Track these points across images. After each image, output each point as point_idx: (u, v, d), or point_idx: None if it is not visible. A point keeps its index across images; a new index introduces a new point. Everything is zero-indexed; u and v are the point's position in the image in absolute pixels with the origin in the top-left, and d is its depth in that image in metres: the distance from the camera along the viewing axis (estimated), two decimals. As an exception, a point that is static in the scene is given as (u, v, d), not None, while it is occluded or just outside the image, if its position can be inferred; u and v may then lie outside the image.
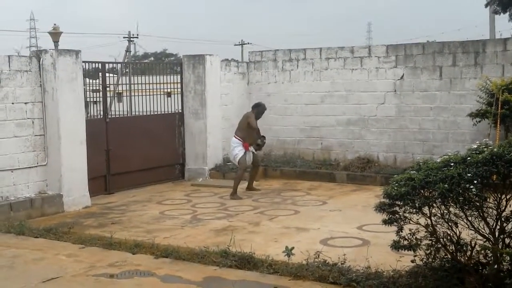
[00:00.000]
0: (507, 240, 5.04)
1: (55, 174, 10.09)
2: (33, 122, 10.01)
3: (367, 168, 12.36)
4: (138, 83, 13.24)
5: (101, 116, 11.72)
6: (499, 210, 4.98)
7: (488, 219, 5.00)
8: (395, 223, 5.20)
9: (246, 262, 6.29)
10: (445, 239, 5.17)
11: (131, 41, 41.88)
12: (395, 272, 5.57)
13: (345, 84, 13.18)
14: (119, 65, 21.31)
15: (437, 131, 12.18)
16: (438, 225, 5.16)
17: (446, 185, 4.75)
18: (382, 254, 6.49)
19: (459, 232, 5.16)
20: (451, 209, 5.04)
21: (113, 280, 6.18)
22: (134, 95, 13.82)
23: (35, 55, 10.21)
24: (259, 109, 11.57)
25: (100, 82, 11.83)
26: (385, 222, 5.23)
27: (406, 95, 12.50)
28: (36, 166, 10.02)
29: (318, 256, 6.14)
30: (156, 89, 12.89)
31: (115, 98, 16.24)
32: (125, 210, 10.12)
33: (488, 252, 5.06)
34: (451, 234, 5.15)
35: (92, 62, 11.57)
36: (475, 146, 5.15)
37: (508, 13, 23.76)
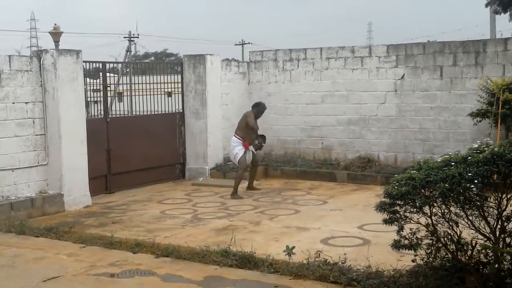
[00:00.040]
0: (507, 240, 5.04)
1: (56, 174, 10.09)
2: (33, 122, 10.01)
3: (367, 168, 12.37)
4: (138, 83, 13.24)
5: (102, 116, 11.72)
6: (499, 210, 4.98)
7: (488, 218, 5.00)
8: (395, 222, 5.20)
9: (247, 261, 6.29)
10: (445, 239, 5.17)
11: (132, 41, 41.88)
12: (395, 272, 5.57)
13: (346, 83, 13.18)
14: (119, 65, 21.32)
15: (437, 131, 12.18)
16: (439, 225, 5.16)
17: (447, 185, 4.75)
18: (383, 254, 6.49)
19: (460, 231, 5.16)
20: (451, 208, 5.04)
21: (113, 279, 6.18)
22: (135, 95, 13.82)
23: (36, 55, 10.22)
24: (259, 109, 11.58)
25: (101, 81, 11.83)
26: (385, 221, 5.23)
27: (407, 94, 12.51)
28: (36, 166, 10.03)
29: (319, 255, 6.14)
30: (157, 88, 12.90)
31: (116, 97, 16.27)
32: (126, 209, 10.13)
33: (489, 251, 5.06)
34: (452, 234, 5.15)
35: (92, 62, 11.58)
36: (476, 146, 5.15)
37: (508, 13, 23.75)
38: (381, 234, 7.22)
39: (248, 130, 11.25)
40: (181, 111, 13.26)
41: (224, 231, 8.34)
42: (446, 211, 5.07)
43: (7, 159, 9.62)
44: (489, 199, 4.96)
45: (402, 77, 12.54)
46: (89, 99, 11.54)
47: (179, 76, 13.36)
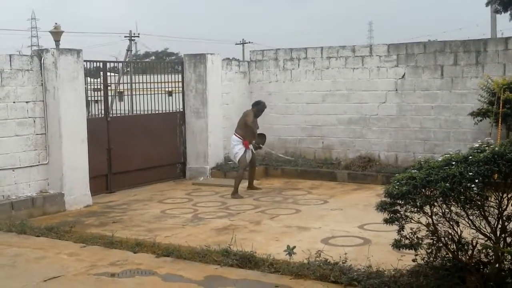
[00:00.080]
0: (508, 239, 5.03)
1: (57, 173, 10.09)
2: (34, 121, 10.01)
3: (368, 167, 12.37)
4: (139, 82, 13.24)
5: (103, 115, 11.71)
6: (500, 209, 4.97)
7: (489, 218, 5.00)
8: (396, 222, 5.19)
9: (247, 261, 6.29)
10: (446, 238, 5.16)
11: (132, 40, 41.84)
12: (396, 271, 5.56)
13: (347, 83, 13.18)
14: (120, 64, 21.31)
15: (438, 130, 12.18)
16: (439, 224, 5.15)
17: (448, 184, 4.75)
18: (383, 253, 6.48)
19: (461, 231, 5.16)
20: (452, 208, 5.04)
21: (114, 279, 6.18)
22: (135, 94, 13.83)
23: (37, 54, 10.22)
24: (259, 107, 11.56)
25: (101, 81, 11.83)
26: (386, 221, 5.23)
27: (408, 94, 12.50)
28: (37, 165, 10.03)
29: (319, 255, 6.14)
30: (157, 88, 12.89)
31: (116, 97, 16.26)
32: (126, 209, 10.13)
33: (490, 251, 5.06)
34: (453, 233, 5.15)
35: (93, 61, 11.57)
36: (477, 145, 5.15)
37: (509, 12, 23.69)
38: (382, 234, 7.22)
39: (247, 129, 11.24)
40: (181, 110, 13.25)
41: (224, 231, 8.34)
42: (446, 210, 5.07)
43: (8, 159, 9.63)
44: (489, 199, 4.95)
45: (403, 76, 12.54)
46: (89, 98, 11.54)
47: (180, 75, 13.36)
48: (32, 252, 7.13)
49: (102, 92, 11.81)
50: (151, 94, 12.80)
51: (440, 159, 5.16)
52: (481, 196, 4.83)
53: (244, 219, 9.14)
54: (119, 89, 17.37)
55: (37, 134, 10.05)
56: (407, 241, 5.21)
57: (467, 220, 5.05)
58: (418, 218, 5.17)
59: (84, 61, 10.67)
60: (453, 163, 4.95)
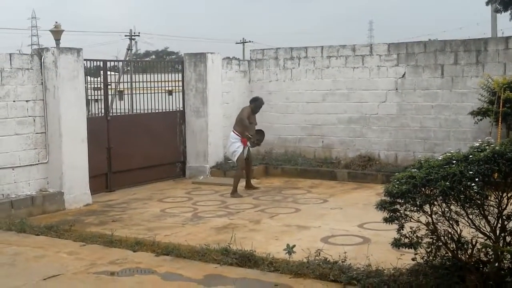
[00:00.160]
0: (508, 238, 5.03)
1: (56, 172, 10.09)
2: (34, 120, 10.01)
3: (368, 166, 12.37)
4: (139, 81, 13.24)
5: (103, 114, 11.71)
6: (500, 208, 4.97)
7: (489, 217, 5.00)
8: (396, 221, 5.19)
9: (247, 260, 6.29)
10: (446, 237, 5.16)
11: (133, 39, 41.84)
12: (395, 270, 5.56)
13: (347, 82, 13.18)
14: (120, 63, 21.31)
15: (438, 129, 12.18)
16: (439, 223, 5.15)
17: (448, 183, 4.75)
18: (383, 252, 6.48)
19: (460, 230, 5.16)
20: (452, 207, 5.04)
21: (114, 277, 6.18)
22: (136, 93, 13.82)
23: (37, 53, 10.22)
24: (256, 104, 11.52)
25: (102, 80, 11.83)
26: (386, 220, 5.23)
27: (408, 93, 12.50)
28: (37, 164, 10.03)
29: (319, 254, 6.14)
30: (158, 87, 12.89)
31: (117, 96, 16.27)
32: (126, 208, 10.13)
33: (489, 250, 5.06)
34: (452, 232, 5.15)
35: (93, 60, 11.55)
36: (477, 144, 5.15)
37: (509, 11, 23.67)
38: (381, 233, 7.22)
39: (244, 125, 11.17)
40: (181, 109, 13.25)
41: (224, 230, 8.34)
42: (446, 209, 5.07)
43: (8, 157, 9.62)
44: (489, 198, 4.95)
45: (403, 75, 12.53)
46: (89, 97, 11.53)
47: (180, 75, 13.35)
48: (32, 251, 7.13)
49: (102, 91, 11.81)
50: (151, 93, 12.79)
51: (440, 158, 5.16)
52: (481, 195, 4.83)
53: (244, 218, 9.14)
54: (119, 88, 17.39)
55: (37, 133, 10.05)
56: (406, 240, 5.21)
57: (466, 219, 5.05)
58: (418, 217, 5.17)
59: (84, 60, 10.67)
60: (454, 162, 4.95)
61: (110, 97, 12.40)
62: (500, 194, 4.95)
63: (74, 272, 6.31)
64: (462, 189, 4.77)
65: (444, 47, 12.12)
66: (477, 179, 4.73)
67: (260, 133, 11.69)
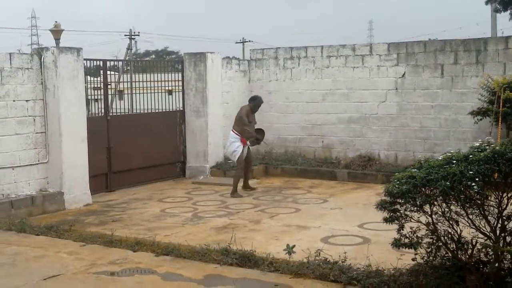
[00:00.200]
0: (508, 239, 5.03)
1: (56, 172, 10.09)
2: (34, 120, 10.01)
3: (368, 166, 12.36)
4: (139, 81, 13.23)
5: (102, 114, 11.70)
6: (500, 209, 4.97)
7: (489, 217, 5.00)
8: (396, 221, 5.19)
9: (247, 260, 6.29)
10: (446, 237, 5.16)
11: (133, 39, 41.84)
12: (395, 270, 5.56)
13: (347, 82, 13.18)
14: (120, 63, 21.30)
15: (438, 129, 12.18)
16: (439, 223, 5.15)
17: (448, 183, 4.75)
18: (383, 252, 6.48)
19: (460, 230, 5.16)
20: (452, 207, 5.04)
21: (113, 277, 6.18)
22: (135, 93, 13.82)
23: (37, 52, 10.21)
24: (255, 102, 11.47)
25: (102, 79, 11.82)
26: (386, 220, 5.23)
27: (408, 93, 12.50)
28: (37, 164, 10.03)
29: (319, 254, 6.14)
30: (158, 86, 12.88)
31: (116, 95, 16.25)
32: (126, 208, 10.13)
33: (489, 250, 5.06)
34: (452, 233, 5.15)
35: (93, 59, 11.55)
36: (477, 144, 5.15)
37: (509, 11, 23.67)
38: (382, 233, 7.21)
39: (244, 124, 11.13)
40: (181, 109, 13.25)
41: (224, 230, 8.34)
42: (446, 209, 5.07)
43: (8, 157, 9.62)
44: (489, 198, 4.95)
45: (403, 75, 12.53)
46: (89, 97, 11.53)
47: (180, 74, 13.35)
48: (32, 251, 7.13)
49: (102, 90, 11.80)
50: (151, 92, 12.79)
51: (440, 158, 5.16)
52: (481, 195, 4.83)
53: (244, 218, 9.13)
54: (119, 87, 17.38)
55: (37, 133, 10.05)
56: (406, 240, 5.21)
57: (467, 219, 5.05)
58: (418, 217, 5.17)
59: (84, 59, 10.66)
60: (454, 161, 4.95)
61: (110, 96, 12.39)
62: (500, 194, 4.95)
63: (74, 272, 6.30)
64: (462, 189, 4.78)
65: (444, 47, 12.12)
66: (477, 179, 4.73)
67: (260, 132, 11.65)
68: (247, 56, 17.14)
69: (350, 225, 8.42)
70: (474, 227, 5.05)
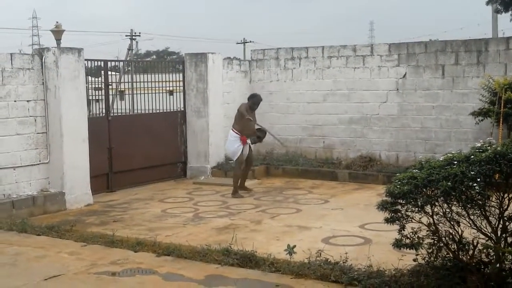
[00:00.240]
0: (509, 239, 5.03)
1: (57, 172, 10.09)
2: (35, 120, 10.02)
3: (369, 167, 12.36)
4: (140, 81, 13.23)
5: (103, 114, 11.71)
6: (501, 209, 4.97)
7: (490, 218, 4.99)
8: (397, 221, 5.19)
9: (248, 260, 6.28)
10: (447, 238, 5.16)
11: (133, 39, 41.87)
12: (397, 271, 5.56)
13: (347, 82, 13.18)
14: (121, 63, 21.31)
15: (439, 130, 12.18)
16: (440, 224, 5.15)
17: (449, 183, 4.75)
18: (384, 253, 6.48)
19: (461, 231, 5.16)
20: (453, 207, 5.04)
21: (115, 278, 6.18)
22: (136, 93, 13.82)
23: (38, 53, 10.22)
24: (254, 100, 11.40)
25: (103, 80, 11.83)
26: (387, 220, 5.22)
27: (409, 93, 12.50)
28: (38, 164, 10.03)
29: (320, 254, 6.14)
30: (158, 87, 12.89)
31: (117, 96, 16.27)
32: (127, 208, 10.13)
33: (490, 251, 5.05)
34: (453, 233, 5.15)
35: (94, 60, 11.56)
36: (479, 145, 5.15)
37: (510, 12, 23.66)
38: (383, 233, 7.22)
39: (244, 122, 11.11)
40: (182, 109, 13.25)
41: (225, 230, 8.34)
42: (447, 210, 5.07)
43: (9, 157, 9.63)
44: (491, 199, 4.95)
45: (404, 76, 12.53)
46: (90, 97, 11.54)
47: (181, 75, 13.35)
48: (33, 251, 7.13)
49: (103, 91, 11.81)
50: (152, 93, 12.79)
51: (441, 159, 5.16)
52: (483, 195, 4.83)
53: (245, 218, 9.14)
54: (120, 88, 17.38)
55: (38, 133, 10.05)
56: (408, 241, 5.21)
57: (468, 220, 5.05)
58: (419, 218, 5.17)
59: (85, 60, 10.67)
60: (455, 162, 4.95)
61: (111, 97, 12.39)
62: (502, 195, 4.95)
63: (75, 272, 6.31)
64: (463, 189, 4.78)
65: (445, 48, 12.12)
66: (478, 180, 4.73)
67: (261, 131, 11.61)
68: (248, 57, 17.13)
69: (351, 225, 8.42)
70: (475, 227, 5.05)
